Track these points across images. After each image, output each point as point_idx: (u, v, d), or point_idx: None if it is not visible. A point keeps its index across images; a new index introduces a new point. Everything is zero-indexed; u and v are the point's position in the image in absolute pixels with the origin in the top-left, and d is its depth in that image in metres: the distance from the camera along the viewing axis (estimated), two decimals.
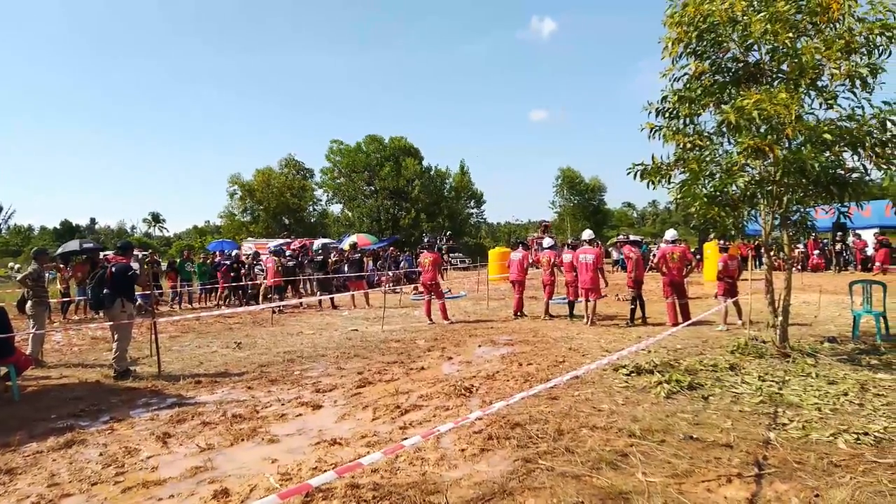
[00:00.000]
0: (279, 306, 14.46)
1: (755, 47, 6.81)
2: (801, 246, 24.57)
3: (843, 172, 6.61)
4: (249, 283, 17.24)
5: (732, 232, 7.51)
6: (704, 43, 7.01)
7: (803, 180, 6.47)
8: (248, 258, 18.86)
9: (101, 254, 16.50)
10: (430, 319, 11.77)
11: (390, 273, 21.89)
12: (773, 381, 5.98)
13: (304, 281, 18.14)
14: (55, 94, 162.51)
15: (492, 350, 8.55)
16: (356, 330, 11.06)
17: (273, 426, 5.11)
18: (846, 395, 5.41)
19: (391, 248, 29.77)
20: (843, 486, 3.46)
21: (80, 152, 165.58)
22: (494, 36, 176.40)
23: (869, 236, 24.63)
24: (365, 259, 19.93)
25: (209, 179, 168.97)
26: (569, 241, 17.70)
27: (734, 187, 6.96)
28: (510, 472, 3.81)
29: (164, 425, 5.22)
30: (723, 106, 6.74)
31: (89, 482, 3.97)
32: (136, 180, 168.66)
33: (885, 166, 6.27)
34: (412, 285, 19.52)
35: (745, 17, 6.53)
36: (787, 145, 6.43)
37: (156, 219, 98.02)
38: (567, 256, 12.13)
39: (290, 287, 16.85)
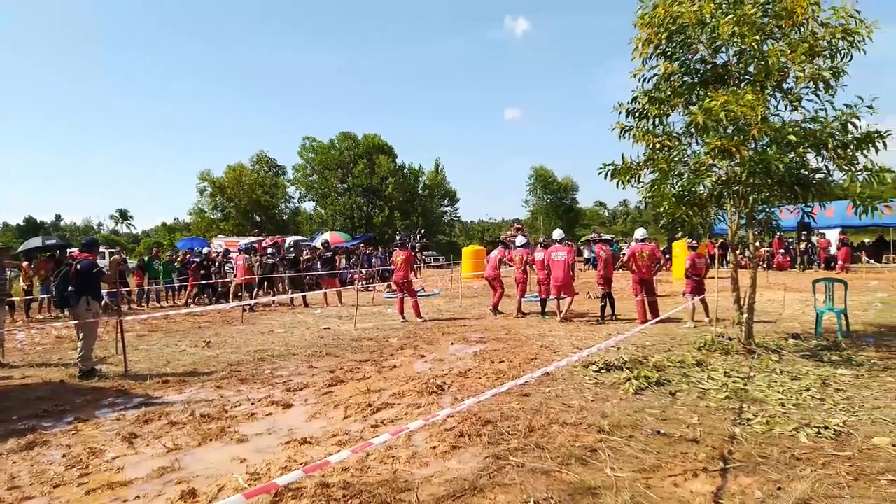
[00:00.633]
0: (250, 304, 14.29)
1: (723, 49, 6.93)
2: (766, 245, 25.20)
3: (806, 173, 6.76)
4: (219, 281, 17.00)
5: (700, 231, 7.65)
6: (674, 44, 7.11)
7: (768, 180, 6.61)
8: (218, 256, 18.58)
9: (67, 251, 16.13)
10: (403, 317, 11.75)
11: (363, 271, 21.79)
12: (738, 377, 6.11)
13: (276, 279, 17.95)
14: (16, 84, 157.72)
15: (464, 348, 8.57)
16: (328, 328, 10.98)
17: (242, 426, 5.05)
18: (808, 390, 5.55)
19: (364, 245, 29.60)
20: (803, 479, 3.55)
21: (45, 146, 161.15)
22: (468, 35, 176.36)
23: (833, 236, 25.37)
24: (337, 257, 19.80)
25: (179, 176, 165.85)
26: (541, 240, 17.82)
27: (702, 187, 7.10)
28: (481, 469, 3.82)
29: (130, 425, 5.12)
30: (691, 107, 6.86)
31: (51, 484, 3.87)
32: (104, 176, 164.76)
33: (846, 167, 6.46)
34: (385, 283, 19.44)
35: (713, 20, 6.64)
36: (753, 146, 6.56)
37: (123, 215, 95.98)
38: (539, 255, 12.25)
39: (266, 285, 16.66)
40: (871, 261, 25.62)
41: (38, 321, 13.86)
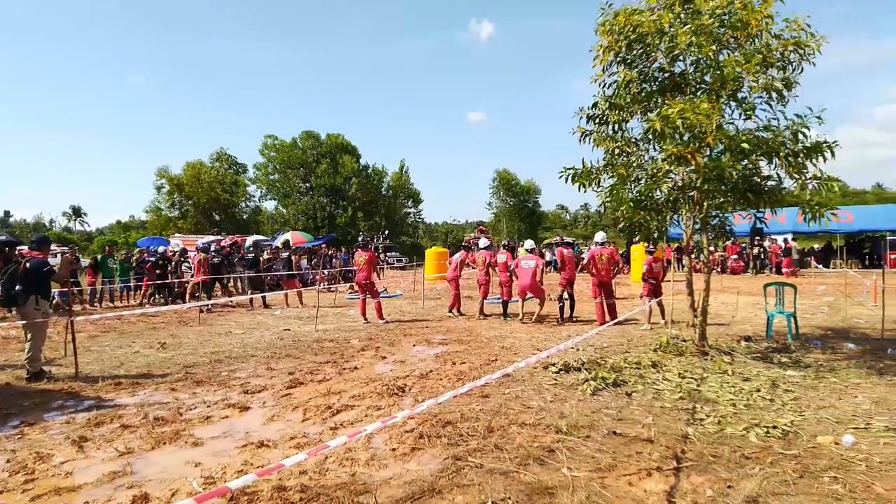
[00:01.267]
0: (207, 305, 13.99)
1: (680, 58, 7.08)
2: (720, 250, 25.95)
3: (759, 180, 6.98)
4: (176, 280, 16.59)
5: (656, 235, 7.82)
6: (633, 52, 7.24)
7: (722, 187, 6.79)
8: (174, 255, 18.12)
9: (17, 248, 15.50)
10: (365, 319, 11.67)
11: (325, 272, 21.58)
12: (692, 378, 6.27)
13: (234, 279, 17.63)
14: None
15: (426, 349, 8.57)
16: (288, 329, 10.83)
17: (197, 429, 4.94)
18: (759, 391, 5.73)
19: (327, 246, 29.31)
20: (752, 477, 3.66)
21: None
22: (434, 37, 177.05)
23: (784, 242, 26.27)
24: (296, 257, 19.53)
25: (135, 173, 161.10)
26: (504, 242, 17.96)
27: (658, 192, 7.26)
28: (440, 471, 3.83)
29: (80, 429, 4.95)
30: (649, 114, 7.01)
31: None
32: (56, 172, 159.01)
33: (796, 175, 6.69)
34: (348, 284, 19.29)
35: (672, 29, 6.79)
36: (708, 153, 6.74)
37: (76, 212, 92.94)
38: (501, 257, 12.36)
39: (218, 285, 16.32)
40: (820, 266, 26.60)
41: None
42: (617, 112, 7.48)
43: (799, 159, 6.59)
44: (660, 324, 10.41)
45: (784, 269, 23.36)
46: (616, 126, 7.61)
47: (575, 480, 3.64)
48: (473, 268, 13.15)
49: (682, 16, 6.92)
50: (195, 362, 7.74)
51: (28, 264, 7.08)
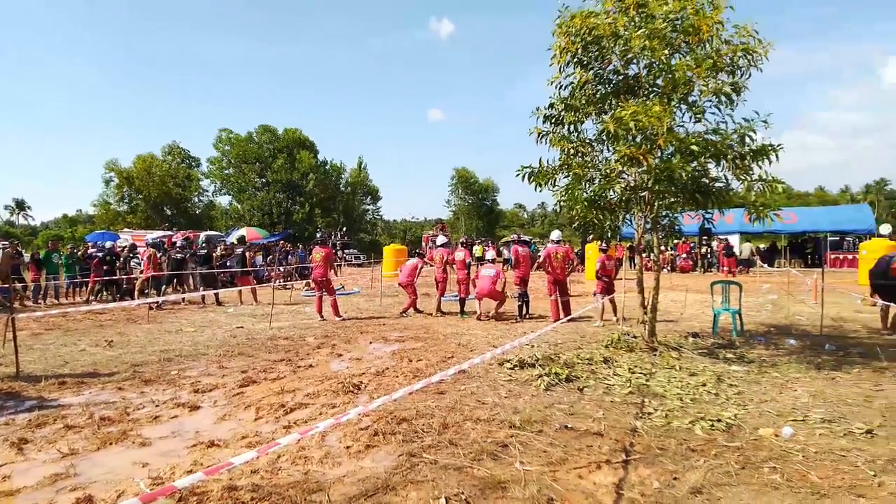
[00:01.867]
0: (157, 302, 13.61)
1: (634, 61, 7.24)
2: (671, 249, 26.71)
3: (707, 181, 7.21)
4: (124, 277, 16.08)
5: (609, 234, 7.99)
6: (589, 54, 7.35)
7: (672, 188, 6.99)
8: (123, 250, 17.55)
9: None
10: (321, 316, 11.57)
11: (280, 268, 21.27)
12: (641, 373, 6.44)
13: (186, 276, 17.19)
14: None
15: (383, 347, 8.55)
16: (241, 327, 10.64)
17: (145, 429, 4.81)
18: (704, 385, 5.93)
19: (283, 242, 28.90)
20: (697, 469, 3.79)
21: None
22: (393, 35, 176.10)
23: (734, 241, 27.23)
24: (251, 253, 19.19)
25: (83, 166, 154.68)
26: (462, 240, 18.04)
27: (612, 192, 7.43)
28: (394, 467, 3.83)
29: (20, 430, 4.75)
30: (603, 115, 7.16)
31: None
32: None
33: (743, 177, 6.95)
34: (304, 281, 19.05)
35: (626, 33, 6.93)
36: (659, 155, 6.91)
37: (20, 206, 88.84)
38: (459, 254, 12.43)
39: (175, 281, 15.90)
40: (765, 265, 27.61)
41: None
42: (572, 113, 7.58)
43: (745, 162, 6.84)
44: (612, 320, 10.64)
45: (726, 269, 24.19)
46: (571, 127, 7.72)
47: (527, 474, 3.70)
48: (431, 265, 13.17)
49: (636, 19, 7.06)
50: (144, 361, 7.53)
51: None
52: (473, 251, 22.05)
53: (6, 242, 16.51)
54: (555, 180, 7.80)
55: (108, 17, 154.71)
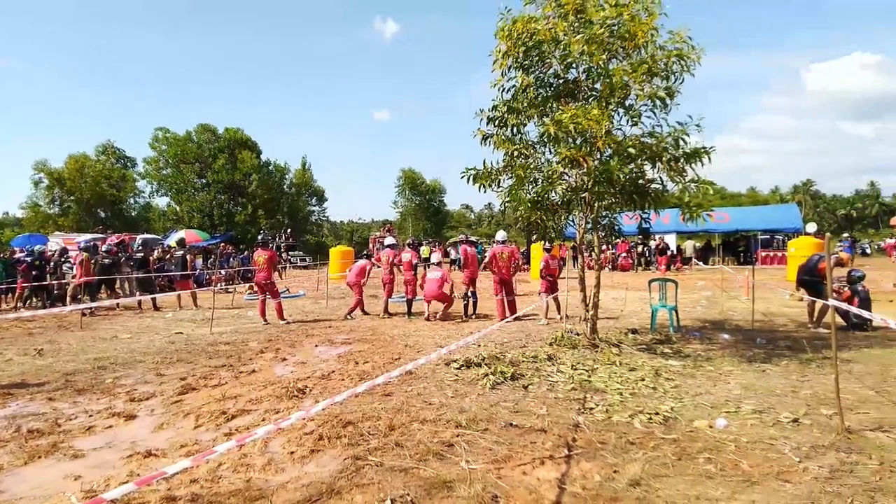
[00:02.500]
0: (90, 308, 13.04)
1: (574, 66, 7.40)
2: (612, 248, 27.47)
3: (644, 183, 7.46)
4: (55, 282, 15.32)
5: (553, 234, 8.15)
6: (530, 58, 7.47)
7: (611, 189, 7.20)
8: (53, 254, 16.70)
9: None
10: (265, 320, 11.34)
11: (222, 271, 20.73)
12: (583, 369, 6.61)
13: (122, 280, 16.52)
14: None
15: (329, 350, 8.46)
16: (181, 333, 10.31)
17: (78, 440, 4.61)
18: (643, 380, 6.13)
19: (224, 245, 28.16)
20: (636, 462, 3.92)
21: None
22: (337, 34, 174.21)
23: (671, 240, 28.26)
24: (191, 256, 18.62)
25: (10, 166, 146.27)
26: (409, 241, 18.03)
27: (554, 193, 7.59)
28: (339, 471, 3.80)
29: None
30: (545, 118, 7.30)
31: None
32: None
33: (677, 178, 7.21)
34: (246, 284, 18.63)
35: (565, 38, 7.07)
36: (598, 157, 7.11)
37: None
38: (406, 255, 12.41)
39: (104, 288, 15.23)
40: (700, 263, 28.74)
41: None
42: (515, 116, 7.70)
43: (680, 164, 7.11)
44: (556, 319, 10.86)
45: (663, 267, 25.10)
46: (515, 129, 7.84)
47: (472, 473, 3.74)
48: (379, 267, 13.12)
49: (575, 25, 7.22)
50: (76, 369, 7.20)
51: None
52: (421, 252, 22.03)
53: None
54: (499, 181, 7.91)
55: (34, 8, 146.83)
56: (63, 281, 15.42)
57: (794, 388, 5.83)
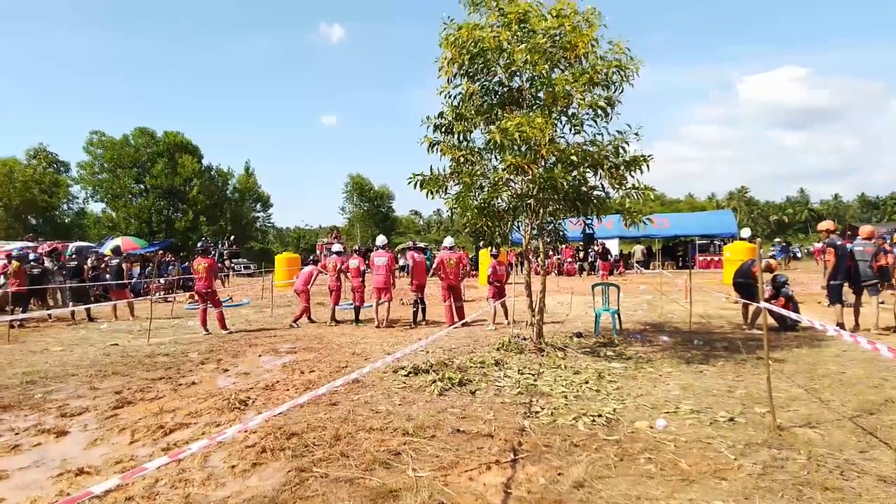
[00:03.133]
0: (19, 319, 12.35)
1: (518, 74, 7.53)
2: (557, 254, 28.01)
3: (586, 190, 7.63)
4: None
5: (499, 240, 8.23)
6: (476, 66, 7.55)
7: (555, 196, 7.34)
8: None
9: None
10: (206, 330, 11.01)
11: (160, 280, 20.04)
12: (529, 373, 6.69)
13: (54, 290, 15.72)
14: None
15: (273, 360, 8.27)
16: (116, 344, 9.88)
17: (3, 460, 4.35)
18: (587, 382, 6.25)
19: (163, 252, 27.23)
20: (580, 464, 3.98)
21: None
22: (281, 38, 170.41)
23: (613, 246, 29.04)
24: (128, 265, 17.91)
25: None
26: (356, 247, 17.87)
27: (500, 200, 7.69)
28: (283, 484, 3.72)
29: None
30: (491, 126, 7.38)
31: None
32: None
33: (618, 185, 7.42)
34: (187, 293, 18.05)
35: (509, 46, 7.19)
36: (543, 164, 7.23)
37: None
38: (353, 262, 12.29)
39: (33, 298, 14.46)
40: (641, 268, 29.63)
41: None
42: (462, 123, 7.75)
43: (620, 171, 7.31)
44: (504, 324, 10.97)
45: (602, 272, 25.78)
46: (461, 136, 7.90)
47: (419, 481, 3.72)
48: (326, 273, 12.95)
49: (518, 34, 7.35)
50: (2, 384, 6.79)
51: None
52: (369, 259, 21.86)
53: None
54: (446, 188, 7.95)
55: None
56: None
57: (730, 387, 6.06)
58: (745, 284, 9.98)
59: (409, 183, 7.89)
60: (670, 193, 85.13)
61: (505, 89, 7.67)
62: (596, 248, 27.88)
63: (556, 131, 7.31)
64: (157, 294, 17.79)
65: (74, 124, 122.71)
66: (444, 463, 4.02)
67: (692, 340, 8.90)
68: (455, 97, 7.84)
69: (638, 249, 32.21)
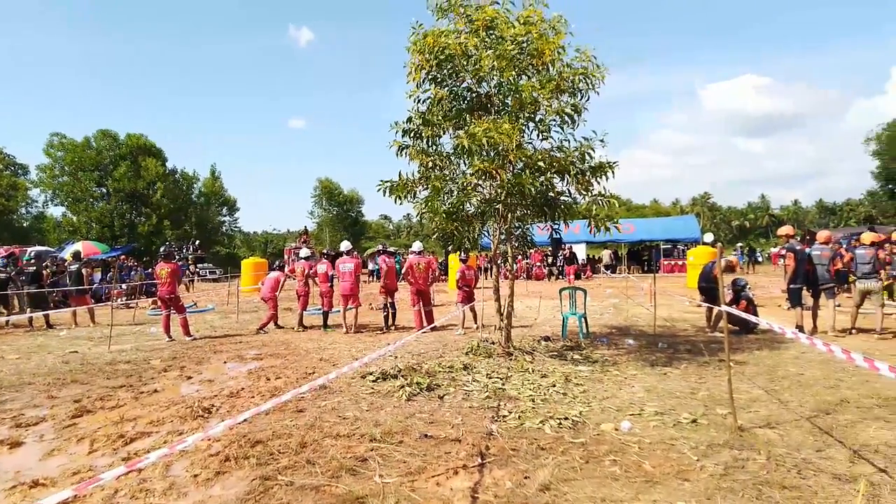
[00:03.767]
0: None
1: (485, 80, 7.57)
2: (526, 258, 28.26)
3: (553, 195, 7.71)
4: None
5: (468, 245, 8.26)
6: (443, 72, 7.58)
7: (523, 201, 7.40)
8: None
9: None
10: (170, 336, 10.77)
11: (122, 286, 19.56)
12: (497, 377, 6.72)
13: (11, 296, 15.20)
14: None
15: (238, 366, 8.14)
16: (76, 352, 9.60)
17: None
18: (554, 386, 6.30)
19: (125, 257, 26.60)
20: (546, 467, 4.01)
21: None
22: (248, 41, 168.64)
23: (580, 250, 29.41)
24: (88, 270, 17.43)
25: None
26: (325, 252, 17.74)
27: (468, 205, 7.72)
28: (247, 493, 3.66)
29: None
30: (459, 131, 7.40)
31: None
32: None
33: (584, 192, 7.51)
34: (150, 299, 17.66)
35: (477, 53, 7.24)
36: (511, 170, 7.29)
37: None
38: (322, 267, 12.18)
39: None
40: (608, 272, 30.06)
41: None
42: (430, 128, 7.77)
43: (586, 177, 7.41)
44: (472, 328, 11.00)
45: (572, 276, 26.10)
46: (430, 141, 7.92)
47: (386, 487, 3.70)
48: (294, 278, 12.81)
49: (486, 40, 7.41)
50: None
51: None
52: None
53: None
54: (415, 193, 7.95)
55: None
56: None
57: (693, 389, 6.17)
58: (708, 288, 10.21)
59: (378, 190, 7.89)
60: (636, 199, 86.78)
61: (473, 95, 7.70)
62: (564, 252, 28.19)
63: (523, 137, 7.38)
64: (119, 300, 17.35)
65: (34, 126, 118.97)
66: (411, 468, 4.01)
67: (657, 343, 9.05)
68: (424, 102, 7.85)
69: (606, 254, 32.76)
